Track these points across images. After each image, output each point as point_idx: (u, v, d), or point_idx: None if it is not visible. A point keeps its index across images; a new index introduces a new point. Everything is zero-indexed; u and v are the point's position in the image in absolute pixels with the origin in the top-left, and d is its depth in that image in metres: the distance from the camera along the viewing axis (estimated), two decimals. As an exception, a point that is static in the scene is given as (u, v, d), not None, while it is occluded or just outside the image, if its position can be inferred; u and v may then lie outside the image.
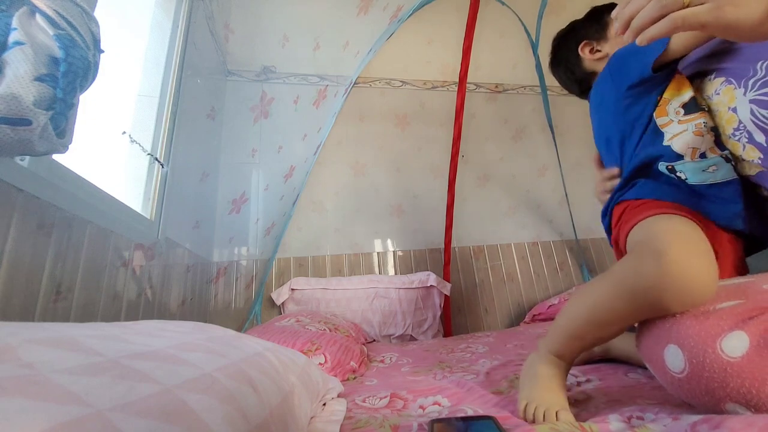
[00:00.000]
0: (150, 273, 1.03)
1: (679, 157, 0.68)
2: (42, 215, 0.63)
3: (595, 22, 0.87)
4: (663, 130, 0.71)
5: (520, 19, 2.04)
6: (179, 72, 1.24)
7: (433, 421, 0.51)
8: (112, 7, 0.84)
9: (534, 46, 2.12)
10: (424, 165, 2.13)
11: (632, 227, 0.64)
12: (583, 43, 0.87)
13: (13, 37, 0.45)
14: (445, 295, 1.80)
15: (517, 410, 0.57)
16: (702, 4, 0.40)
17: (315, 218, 1.92)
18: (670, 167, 0.70)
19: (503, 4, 1.95)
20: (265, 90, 1.91)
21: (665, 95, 0.70)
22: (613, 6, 0.83)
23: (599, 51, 0.84)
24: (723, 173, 0.66)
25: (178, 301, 1.24)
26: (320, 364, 0.96)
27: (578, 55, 0.88)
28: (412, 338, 1.70)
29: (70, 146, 0.53)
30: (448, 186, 1.96)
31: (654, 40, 0.44)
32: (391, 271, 1.93)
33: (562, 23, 0.96)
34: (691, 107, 0.68)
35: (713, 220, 0.66)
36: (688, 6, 0.40)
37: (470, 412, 0.60)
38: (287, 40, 1.80)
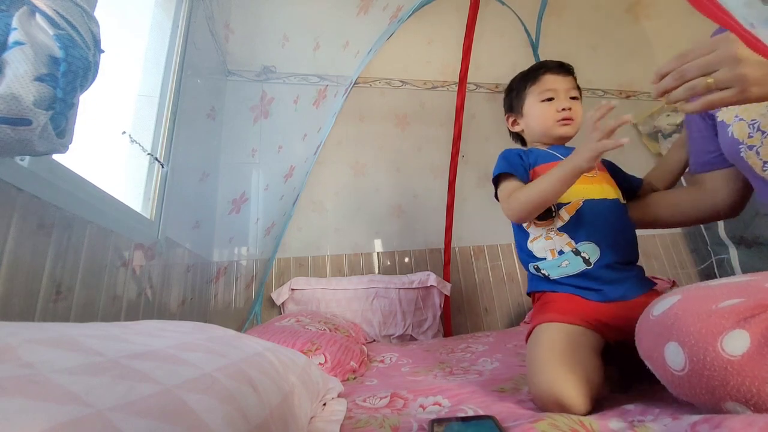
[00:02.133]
0: (150, 273, 1.03)
1: (541, 258, 0.78)
2: (42, 215, 0.63)
3: (512, 98, 0.94)
4: (527, 230, 0.80)
5: (520, 19, 2.04)
6: (179, 72, 1.24)
7: (433, 421, 0.51)
8: (112, 7, 0.84)
9: (534, 46, 2.12)
10: (424, 165, 2.13)
11: (530, 331, 0.71)
12: (506, 116, 0.97)
13: (13, 37, 0.44)
14: (445, 295, 1.80)
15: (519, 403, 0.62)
16: (727, 87, 0.48)
17: (315, 218, 1.92)
18: (536, 267, 0.79)
19: (503, 4, 1.95)
20: (265, 90, 1.91)
21: None
22: (523, 80, 0.90)
23: (518, 125, 0.94)
24: (574, 266, 0.73)
25: (178, 301, 1.24)
26: (320, 364, 0.96)
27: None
28: (412, 338, 1.69)
29: (70, 146, 0.53)
30: (448, 186, 1.96)
31: (692, 113, 0.61)
32: (391, 271, 1.93)
33: (562, 23, 0.97)
34: (544, 215, 0.77)
35: (589, 299, 0.72)
36: (713, 87, 0.49)
37: (470, 412, 0.60)
38: (287, 40, 1.80)
